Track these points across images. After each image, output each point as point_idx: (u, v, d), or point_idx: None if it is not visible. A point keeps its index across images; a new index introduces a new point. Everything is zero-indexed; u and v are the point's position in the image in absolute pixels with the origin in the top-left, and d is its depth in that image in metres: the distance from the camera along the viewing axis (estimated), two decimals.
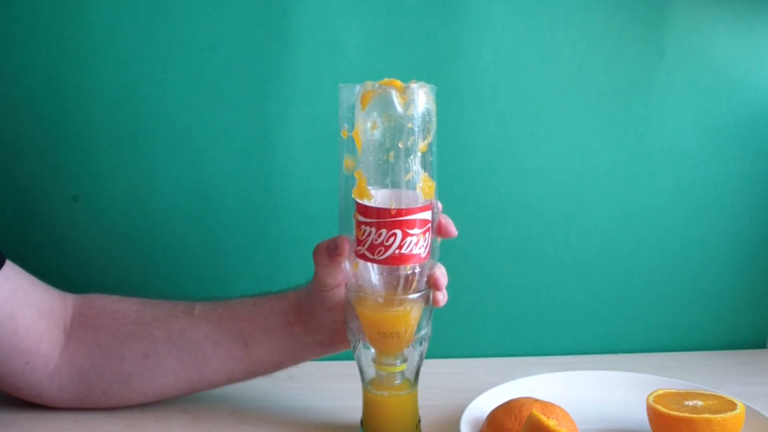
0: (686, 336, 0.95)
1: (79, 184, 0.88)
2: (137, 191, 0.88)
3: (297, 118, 0.87)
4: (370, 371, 0.67)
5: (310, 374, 0.84)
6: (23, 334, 0.70)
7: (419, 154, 0.62)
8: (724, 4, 0.88)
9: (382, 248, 0.62)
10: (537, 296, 0.93)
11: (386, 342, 0.65)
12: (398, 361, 0.66)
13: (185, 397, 0.76)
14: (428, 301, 0.66)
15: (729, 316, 0.95)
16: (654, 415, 0.68)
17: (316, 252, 0.67)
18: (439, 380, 0.84)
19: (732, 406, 0.67)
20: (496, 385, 0.76)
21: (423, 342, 0.67)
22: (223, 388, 0.76)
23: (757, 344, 0.96)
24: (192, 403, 0.77)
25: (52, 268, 0.77)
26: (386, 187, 0.62)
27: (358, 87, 0.62)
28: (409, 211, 0.62)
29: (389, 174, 0.62)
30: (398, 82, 0.61)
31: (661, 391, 0.71)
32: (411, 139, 0.61)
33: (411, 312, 0.64)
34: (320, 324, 0.71)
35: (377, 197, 0.62)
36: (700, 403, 0.68)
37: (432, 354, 0.69)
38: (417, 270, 0.64)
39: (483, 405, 0.71)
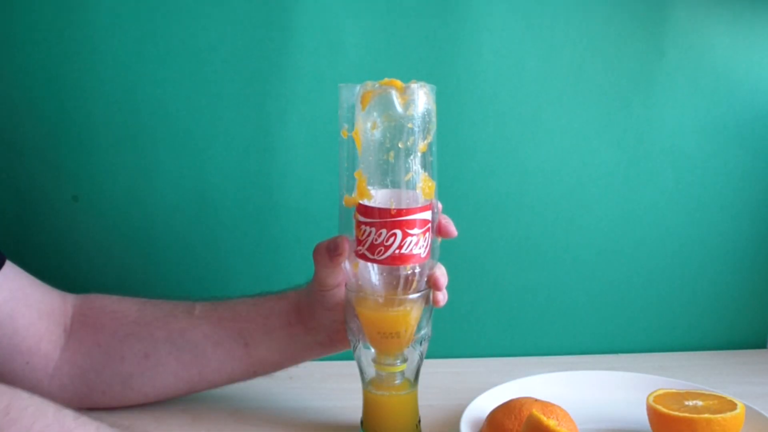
0: (686, 336, 0.95)
1: (79, 184, 0.88)
2: (137, 191, 0.88)
3: (297, 118, 0.87)
4: (370, 371, 0.67)
5: (310, 374, 0.84)
6: (23, 335, 0.70)
7: (419, 154, 0.62)
8: (724, 4, 0.88)
9: (382, 248, 0.62)
10: (537, 296, 0.93)
11: (386, 342, 0.65)
12: (398, 361, 0.66)
13: (185, 397, 0.76)
14: (428, 301, 0.66)
15: (729, 316, 0.95)
16: (654, 415, 0.68)
17: (316, 252, 0.67)
18: (439, 380, 0.84)
19: (732, 406, 0.67)
20: (496, 385, 0.76)
21: (423, 342, 0.67)
22: (223, 388, 0.76)
23: (757, 344, 0.96)
24: (192, 403, 0.77)
25: (52, 268, 0.77)
26: (386, 187, 0.62)
27: (358, 87, 0.63)
28: (409, 211, 0.62)
29: (389, 174, 0.62)
30: (398, 82, 0.61)
31: (661, 391, 0.71)
32: (411, 139, 0.61)
33: (411, 312, 0.65)
34: (320, 324, 0.71)
35: (377, 197, 0.62)
36: (700, 403, 0.68)
37: (432, 354, 0.69)
38: (417, 270, 0.64)
39: (483, 405, 0.71)
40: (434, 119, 0.63)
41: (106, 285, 0.81)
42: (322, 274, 0.68)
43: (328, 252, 0.66)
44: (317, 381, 0.84)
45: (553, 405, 0.67)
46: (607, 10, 0.87)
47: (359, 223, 0.63)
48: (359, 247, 0.63)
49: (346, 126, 0.63)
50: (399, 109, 0.61)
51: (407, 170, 0.62)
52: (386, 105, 0.61)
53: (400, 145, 0.61)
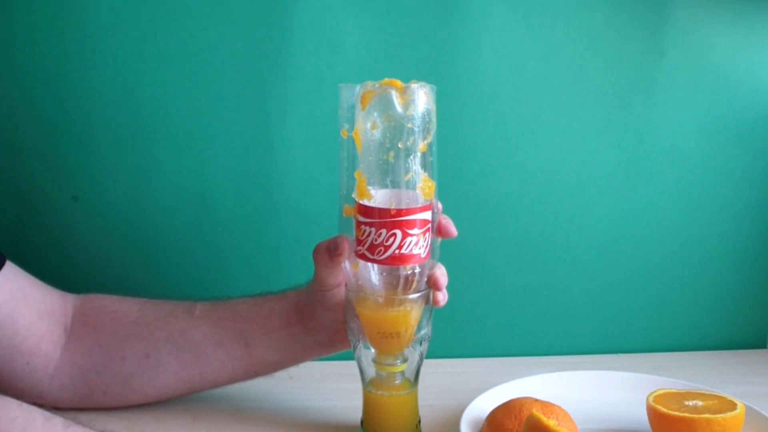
0: (686, 336, 0.95)
1: (79, 184, 0.88)
2: (137, 191, 0.88)
3: (297, 118, 0.87)
4: (370, 371, 0.67)
5: (310, 374, 0.84)
6: (24, 335, 0.70)
7: (419, 154, 0.62)
8: (724, 4, 0.88)
9: (382, 248, 0.62)
10: (537, 296, 0.93)
11: (386, 342, 0.65)
12: (398, 361, 0.66)
13: (185, 397, 0.76)
14: (428, 301, 0.66)
15: (729, 316, 0.95)
16: (654, 415, 0.68)
17: (316, 252, 0.67)
18: (439, 380, 0.84)
19: (732, 406, 0.67)
20: (496, 385, 0.76)
21: (423, 342, 0.67)
22: (224, 388, 0.76)
23: (757, 344, 0.96)
24: (192, 403, 0.77)
25: (52, 268, 0.77)
26: (386, 187, 0.62)
27: (358, 87, 0.62)
28: (409, 211, 0.62)
29: (389, 174, 0.62)
30: (398, 82, 0.61)
31: (661, 391, 0.71)
32: (411, 139, 0.61)
33: (411, 312, 0.65)
34: (320, 324, 0.71)
35: (377, 197, 0.62)
36: (700, 403, 0.68)
37: (432, 354, 0.69)
38: (417, 270, 0.64)
39: (483, 405, 0.71)
40: (434, 119, 0.63)
41: (106, 285, 0.81)
42: (322, 274, 0.68)
43: (328, 252, 0.66)
44: (317, 381, 0.84)
45: (553, 405, 0.67)
46: (607, 10, 0.87)
47: (359, 223, 0.63)
48: (359, 247, 0.63)
49: (346, 126, 0.63)
50: (399, 109, 0.61)
51: (407, 170, 0.62)
52: (386, 105, 0.61)
53: (400, 145, 0.61)
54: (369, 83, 0.62)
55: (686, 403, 0.68)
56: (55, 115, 0.86)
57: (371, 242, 0.62)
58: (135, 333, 0.73)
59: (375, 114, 0.61)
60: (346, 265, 0.66)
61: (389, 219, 0.61)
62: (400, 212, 0.61)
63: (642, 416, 0.70)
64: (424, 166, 0.63)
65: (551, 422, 0.59)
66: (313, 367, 0.80)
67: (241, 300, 0.75)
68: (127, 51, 0.85)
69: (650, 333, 0.94)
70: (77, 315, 0.74)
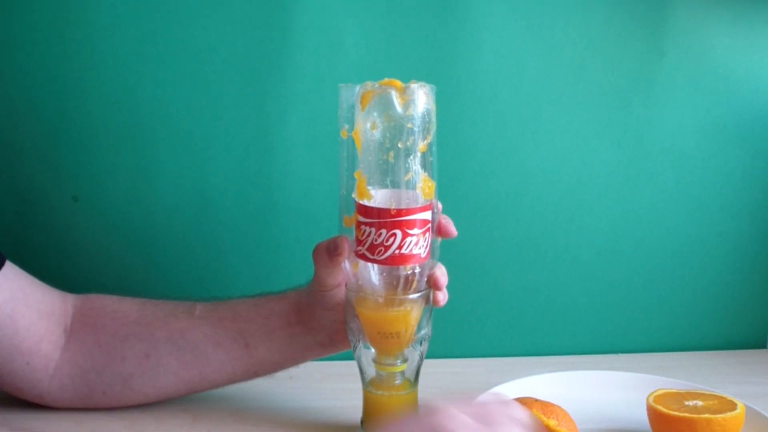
0: (686, 336, 0.95)
1: (79, 184, 0.88)
2: (137, 191, 0.88)
3: (297, 118, 0.87)
4: (371, 371, 0.67)
5: (310, 374, 0.84)
6: (24, 335, 0.70)
7: (419, 154, 0.62)
8: (724, 4, 0.88)
9: (382, 248, 0.62)
10: (537, 296, 0.93)
11: (386, 342, 0.65)
12: (398, 361, 0.66)
13: (185, 397, 0.76)
14: (428, 301, 0.66)
15: (729, 316, 0.95)
16: (654, 415, 0.68)
17: (316, 252, 0.67)
18: (439, 380, 0.84)
19: (732, 406, 0.67)
20: (496, 385, 0.76)
21: (423, 342, 0.67)
22: (223, 388, 0.76)
23: (757, 344, 0.96)
24: (192, 403, 0.77)
25: (52, 268, 0.77)
26: (386, 187, 0.62)
27: (358, 87, 0.62)
28: (409, 211, 0.62)
29: (389, 174, 0.62)
30: (398, 82, 0.61)
31: (661, 391, 0.71)
32: (411, 139, 0.61)
33: (411, 312, 0.65)
34: (320, 324, 0.71)
35: (377, 197, 0.62)
36: (700, 403, 0.68)
37: (432, 354, 0.69)
38: (417, 270, 0.64)
39: None
40: (434, 119, 0.63)
41: (106, 285, 0.81)
42: (322, 274, 0.68)
43: (328, 252, 0.66)
44: (317, 381, 0.84)
45: (553, 405, 0.67)
46: (607, 10, 0.87)
47: (359, 223, 0.63)
48: (359, 247, 0.63)
49: (346, 126, 0.63)
50: (399, 109, 0.61)
51: (407, 170, 0.62)
52: (386, 105, 0.61)
53: (399, 145, 0.61)
54: (369, 83, 0.62)
55: (686, 403, 0.68)
56: (55, 115, 0.86)
57: (371, 242, 0.62)
58: (135, 333, 0.73)
59: (375, 114, 0.61)
60: (346, 265, 0.66)
61: (389, 219, 0.61)
62: (400, 212, 0.61)
63: (642, 416, 0.70)
64: (424, 166, 0.63)
65: (551, 422, 0.59)
66: (313, 367, 0.80)
67: (241, 300, 0.75)
68: (127, 51, 0.85)
69: (650, 333, 0.95)
70: (77, 315, 0.74)
